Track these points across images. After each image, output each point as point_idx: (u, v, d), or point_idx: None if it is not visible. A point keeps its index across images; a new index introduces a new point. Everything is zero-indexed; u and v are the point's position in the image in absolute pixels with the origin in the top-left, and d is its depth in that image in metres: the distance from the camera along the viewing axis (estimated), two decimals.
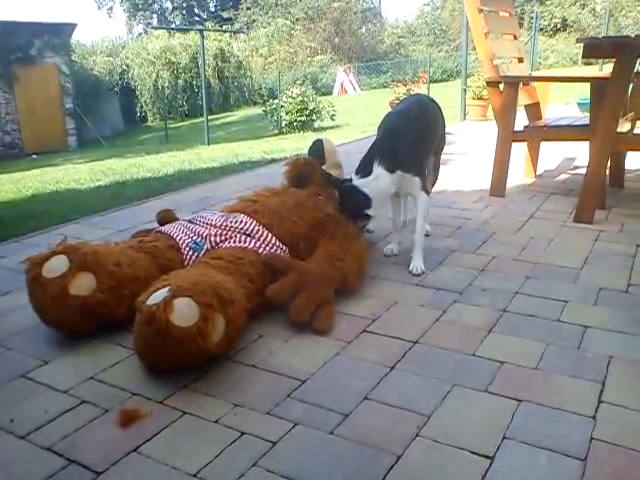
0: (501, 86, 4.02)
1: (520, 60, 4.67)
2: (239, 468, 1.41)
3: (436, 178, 3.09)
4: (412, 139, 2.58)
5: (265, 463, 1.43)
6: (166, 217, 2.66)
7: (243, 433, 1.54)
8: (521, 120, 4.19)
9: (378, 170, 2.52)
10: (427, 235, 3.02)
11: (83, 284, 2.03)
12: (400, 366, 1.86)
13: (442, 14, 34.50)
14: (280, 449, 1.48)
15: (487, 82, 4.14)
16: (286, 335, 2.09)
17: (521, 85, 4.19)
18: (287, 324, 2.15)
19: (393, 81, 13.75)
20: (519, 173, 4.58)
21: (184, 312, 1.71)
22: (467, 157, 5.83)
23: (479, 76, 10.49)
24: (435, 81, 18.92)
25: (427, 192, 2.66)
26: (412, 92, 10.49)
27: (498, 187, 4.02)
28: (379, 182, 2.53)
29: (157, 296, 1.76)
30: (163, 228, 2.46)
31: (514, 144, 4.01)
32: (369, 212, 2.59)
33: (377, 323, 2.17)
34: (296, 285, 2.16)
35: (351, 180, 2.59)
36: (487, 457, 1.43)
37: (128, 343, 1.99)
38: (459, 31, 25.71)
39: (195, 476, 1.39)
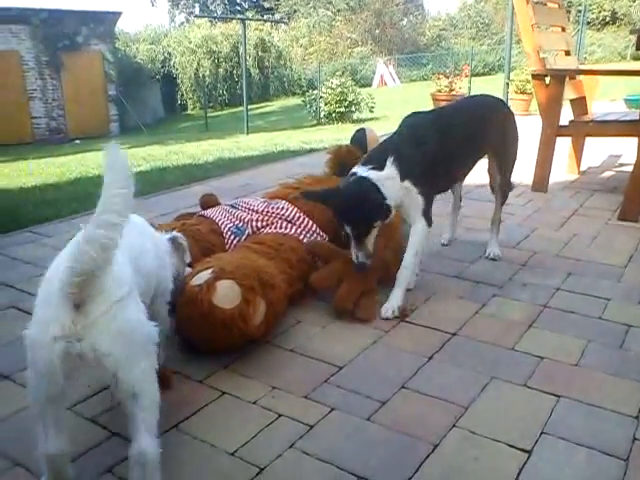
0: (547, 79, 3.94)
1: (567, 53, 4.56)
2: (276, 449, 1.43)
3: (504, 197, 2.75)
4: (435, 148, 2.17)
5: (302, 445, 1.45)
6: (209, 201, 2.70)
7: (280, 415, 1.57)
8: (565, 115, 4.10)
9: (391, 169, 2.09)
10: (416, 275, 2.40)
11: None
12: (438, 357, 1.86)
13: (485, 7, 33.91)
14: (317, 432, 1.50)
15: (533, 75, 4.06)
16: (324, 322, 2.11)
17: (567, 79, 4.10)
18: (325, 311, 2.17)
19: (434, 74, 13.58)
20: (562, 169, 4.49)
21: (227, 294, 1.74)
22: None
23: (522, 70, 10.30)
24: (476, 75, 18.63)
25: (428, 221, 2.19)
26: (454, 84, 10.34)
27: (541, 183, 3.95)
28: (391, 183, 2.09)
29: (200, 277, 1.79)
30: (206, 212, 2.50)
31: (558, 139, 3.93)
32: (389, 202, 2.07)
33: (416, 314, 2.16)
34: (340, 273, 2.17)
35: (355, 173, 2.10)
36: (524, 451, 1.42)
37: None
38: (502, 24, 25.22)
39: (233, 455, 1.42)
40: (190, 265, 1.86)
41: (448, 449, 1.43)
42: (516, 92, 9.85)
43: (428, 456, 1.41)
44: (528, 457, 1.40)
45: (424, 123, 2.26)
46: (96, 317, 1.12)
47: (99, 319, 1.12)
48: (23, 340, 1.15)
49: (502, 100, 2.66)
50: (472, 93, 11.51)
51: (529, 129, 6.99)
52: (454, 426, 1.52)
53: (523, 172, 4.38)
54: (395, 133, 2.25)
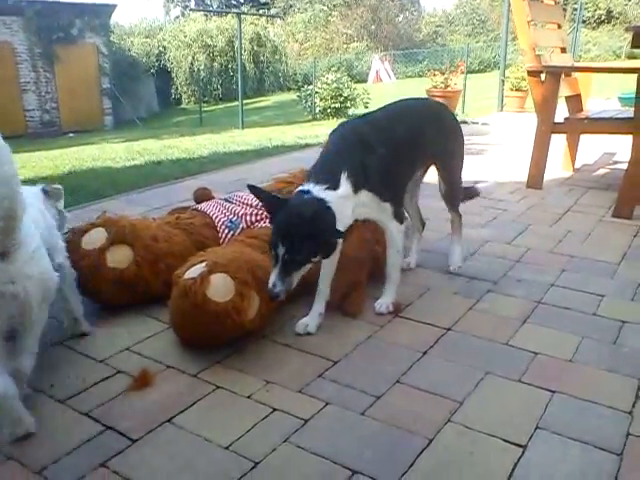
0: (542, 76, 3.94)
1: (563, 50, 4.57)
2: (270, 443, 1.43)
3: (452, 206, 2.48)
4: (386, 153, 1.99)
5: (296, 440, 1.44)
6: (203, 195, 2.69)
7: (275, 409, 1.56)
8: (561, 112, 4.11)
9: (347, 186, 1.87)
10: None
11: (120, 256, 2.07)
12: (432, 352, 1.85)
13: (481, 4, 33.89)
14: (311, 427, 1.49)
15: (528, 72, 4.06)
16: None
17: (563, 76, 4.10)
18: None
19: (429, 70, 13.57)
20: (557, 166, 4.50)
21: (220, 287, 1.74)
22: (503, 148, 5.75)
23: (517, 67, 10.31)
24: (472, 72, 18.60)
25: (400, 220, 2.10)
26: (450, 80, 10.33)
27: (535, 179, 3.95)
28: (345, 202, 1.88)
29: (194, 271, 1.79)
30: (200, 206, 2.48)
31: (553, 136, 3.93)
32: (340, 240, 1.93)
33: (409, 309, 2.16)
34: None
35: (308, 192, 1.84)
36: (519, 446, 1.42)
37: (163, 317, 2.02)
38: (498, 21, 25.22)
39: (227, 449, 1.41)
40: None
41: (443, 444, 1.43)
42: (511, 89, 9.88)
43: (423, 450, 1.41)
44: (523, 452, 1.40)
45: (367, 128, 2.05)
46: (21, 264, 1.39)
47: (24, 266, 1.40)
48: None
49: (444, 105, 2.51)
50: (466, 90, 11.53)
51: (523, 126, 7.03)
52: (449, 421, 1.51)
53: (517, 169, 4.39)
54: (339, 142, 2.02)
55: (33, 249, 1.45)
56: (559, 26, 4.62)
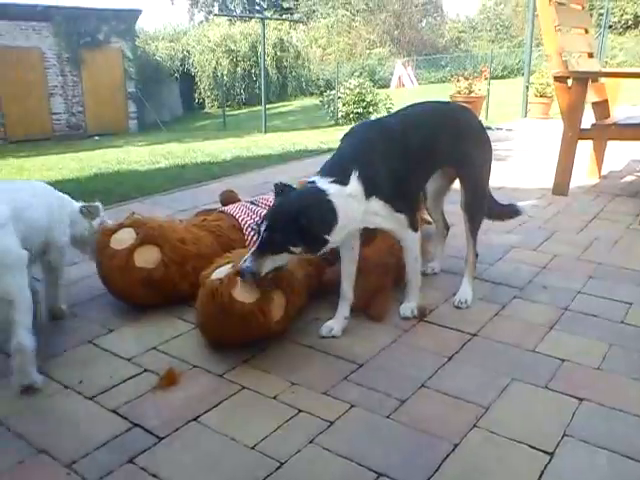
0: (569, 82, 3.90)
1: (590, 55, 4.52)
2: (296, 444, 1.43)
3: (472, 221, 2.28)
4: (400, 162, 1.93)
5: (322, 441, 1.45)
6: (229, 198, 2.71)
7: (300, 411, 1.57)
8: (587, 118, 4.06)
9: (355, 185, 1.80)
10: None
11: (148, 257, 2.09)
12: (458, 357, 1.85)
13: (505, 10, 33.72)
14: (337, 429, 1.49)
15: (555, 77, 4.03)
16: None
17: (590, 81, 4.06)
18: None
19: (452, 76, 13.53)
20: (583, 173, 4.45)
21: (247, 288, 1.75)
22: (528, 154, 5.70)
23: (542, 73, 10.22)
24: (495, 77, 18.49)
25: (415, 229, 2.03)
26: (474, 86, 10.29)
27: (561, 186, 3.91)
28: (353, 202, 1.80)
29: (221, 272, 1.81)
30: (226, 208, 2.51)
31: (579, 143, 3.89)
32: (328, 238, 1.75)
33: (435, 314, 2.15)
34: None
35: (312, 182, 1.80)
36: (546, 453, 1.41)
37: (189, 317, 2.05)
38: (522, 27, 25.03)
39: (253, 448, 1.42)
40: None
41: (469, 449, 1.42)
42: (536, 95, 9.79)
43: (448, 455, 1.40)
44: (550, 459, 1.39)
45: (381, 134, 1.98)
46: None
47: None
48: None
49: (467, 109, 2.37)
50: (490, 96, 11.46)
51: (547, 133, 6.98)
52: (474, 426, 1.51)
53: (542, 175, 4.36)
54: (353, 145, 1.94)
55: None
56: (586, 31, 4.58)
